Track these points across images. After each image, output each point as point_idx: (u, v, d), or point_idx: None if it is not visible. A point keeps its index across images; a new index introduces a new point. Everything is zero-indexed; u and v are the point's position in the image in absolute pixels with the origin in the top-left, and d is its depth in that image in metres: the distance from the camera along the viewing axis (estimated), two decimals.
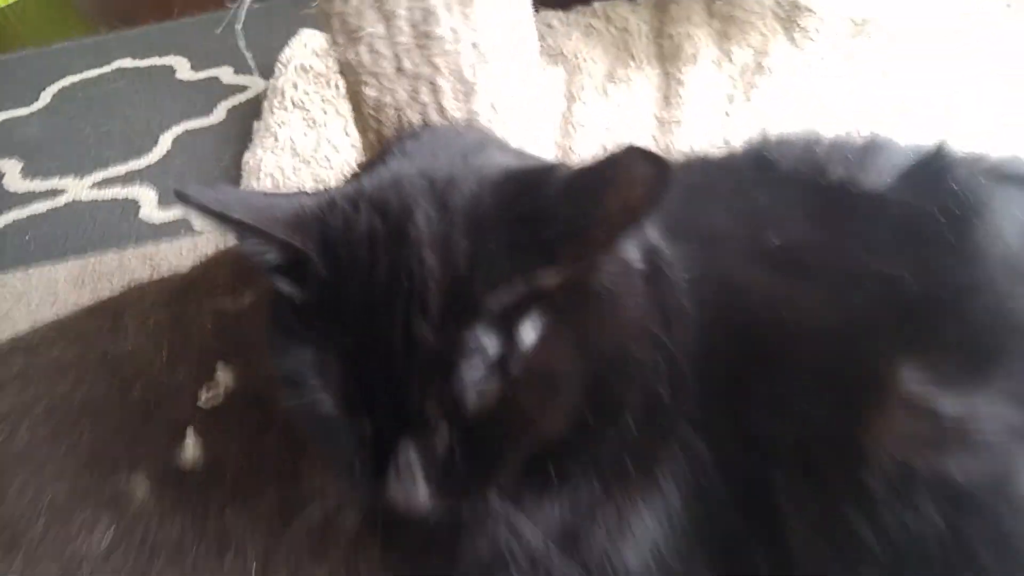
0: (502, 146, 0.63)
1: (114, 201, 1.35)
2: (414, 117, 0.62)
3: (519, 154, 0.62)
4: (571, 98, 1.27)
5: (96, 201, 1.36)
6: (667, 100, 1.23)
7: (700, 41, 1.29)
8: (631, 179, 0.44)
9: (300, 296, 0.47)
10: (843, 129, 1.08)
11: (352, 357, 0.45)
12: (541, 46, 1.37)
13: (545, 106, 0.74)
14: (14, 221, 1.35)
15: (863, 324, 0.54)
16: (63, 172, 1.43)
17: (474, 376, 0.44)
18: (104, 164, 1.43)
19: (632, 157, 0.44)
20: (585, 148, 1.18)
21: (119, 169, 1.41)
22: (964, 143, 0.65)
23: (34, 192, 1.41)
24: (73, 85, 1.65)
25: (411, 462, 0.46)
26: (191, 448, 0.73)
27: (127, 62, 1.67)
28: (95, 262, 1.16)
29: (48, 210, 1.37)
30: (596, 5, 1.42)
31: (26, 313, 1.10)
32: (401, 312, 0.44)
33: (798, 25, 1.28)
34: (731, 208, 0.63)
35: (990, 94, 1.10)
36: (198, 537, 0.66)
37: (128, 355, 0.84)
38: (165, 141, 1.45)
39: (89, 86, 1.65)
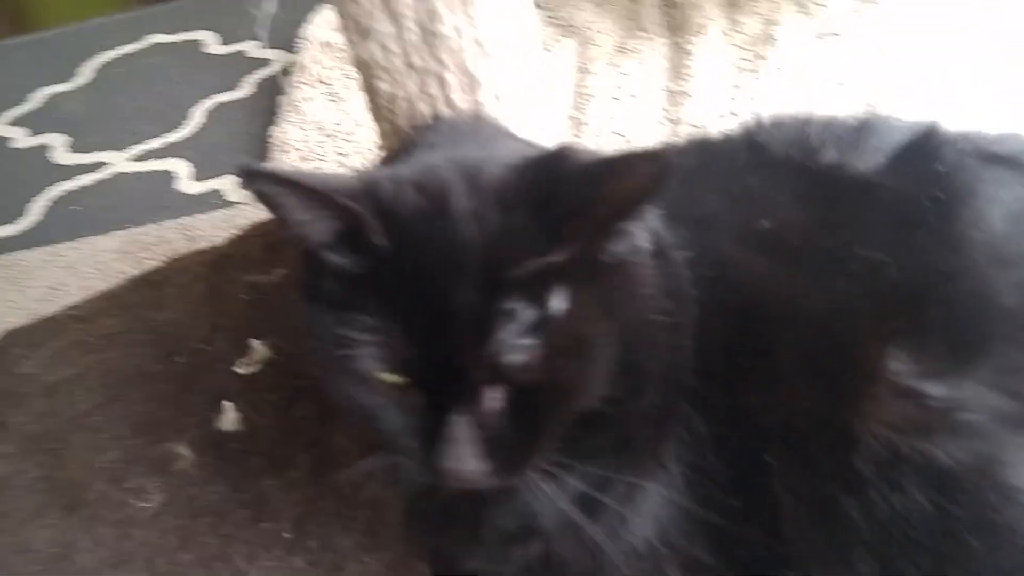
0: (513, 136, 0.64)
1: (152, 173, 1.36)
2: (424, 108, 0.62)
3: (528, 143, 0.63)
4: (582, 70, 1.24)
5: (136, 173, 1.37)
6: (676, 71, 1.20)
7: (708, 11, 1.25)
8: (633, 171, 0.46)
9: (355, 266, 0.48)
10: (848, 100, 1.06)
11: (409, 322, 0.46)
12: (552, 18, 1.34)
13: (548, 92, 0.73)
14: (64, 193, 1.37)
15: (850, 308, 0.53)
16: (105, 146, 1.44)
17: (511, 338, 0.45)
18: (142, 137, 1.43)
19: (637, 155, 0.46)
20: (596, 119, 1.16)
21: (156, 142, 1.42)
22: (963, 119, 0.63)
23: (80, 165, 1.42)
24: (110, 60, 1.64)
25: (463, 433, 0.47)
26: (230, 417, 0.75)
27: (159, 37, 1.66)
28: (137, 234, 1.17)
29: (93, 182, 1.38)
30: None
31: (77, 282, 1.12)
32: (448, 279, 0.46)
33: None
34: (723, 191, 0.62)
35: (988, 70, 1.06)
36: (237, 503, 0.68)
37: (171, 326, 0.85)
38: (197, 114, 1.45)
39: (125, 61, 1.64)
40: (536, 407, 0.49)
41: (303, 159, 1.22)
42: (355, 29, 0.59)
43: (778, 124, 0.69)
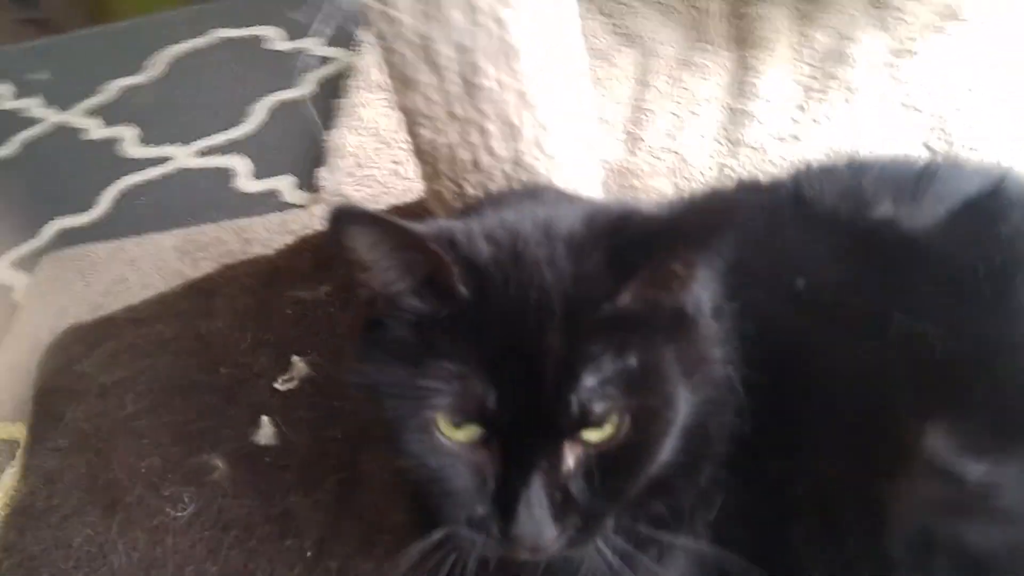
0: (576, 197, 0.64)
1: (213, 170, 1.40)
2: (465, 155, 0.62)
3: (592, 202, 0.63)
4: (642, 83, 1.22)
5: (198, 169, 1.42)
6: (739, 88, 1.17)
7: (778, 23, 1.21)
8: (691, 227, 0.47)
9: (434, 312, 0.48)
10: (921, 129, 1.01)
11: (491, 367, 0.46)
12: (615, 27, 1.32)
13: (594, 139, 0.72)
14: (131, 185, 1.42)
15: (889, 378, 0.52)
16: (171, 140, 1.49)
17: (594, 384, 0.46)
18: (204, 133, 1.47)
19: (702, 213, 0.49)
20: (653, 136, 1.14)
21: (217, 138, 1.46)
22: None
23: (147, 158, 1.47)
24: (176, 54, 1.69)
25: (541, 496, 0.46)
26: (266, 432, 0.77)
27: (225, 32, 1.70)
28: (195, 233, 1.21)
29: (158, 176, 1.43)
30: None
31: (137, 279, 1.17)
32: (530, 325, 0.46)
33: (889, 5, 1.19)
34: (766, 245, 0.60)
35: None
36: (264, 518, 0.70)
37: (218, 336, 0.88)
38: (258, 111, 1.49)
39: (192, 55, 1.69)
40: (613, 469, 0.48)
41: (358, 165, 1.24)
42: (399, 78, 0.59)
43: (829, 173, 0.67)
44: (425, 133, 0.62)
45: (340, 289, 0.87)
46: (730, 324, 0.54)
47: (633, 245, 0.48)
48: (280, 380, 0.81)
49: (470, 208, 0.61)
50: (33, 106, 1.66)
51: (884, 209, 0.60)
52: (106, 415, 0.83)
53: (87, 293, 1.15)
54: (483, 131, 0.60)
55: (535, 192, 0.63)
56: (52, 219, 1.39)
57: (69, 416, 0.85)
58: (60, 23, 1.90)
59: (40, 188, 1.48)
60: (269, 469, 0.74)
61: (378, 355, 0.50)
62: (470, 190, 0.65)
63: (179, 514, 0.72)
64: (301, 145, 1.37)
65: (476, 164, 0.63)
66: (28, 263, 1.31)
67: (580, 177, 0.68)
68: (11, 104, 1.68)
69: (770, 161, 1.06)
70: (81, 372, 0.89)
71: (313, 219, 1.17)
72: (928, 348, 0.51)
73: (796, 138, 1.08)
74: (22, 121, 1.63)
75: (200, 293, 0.95)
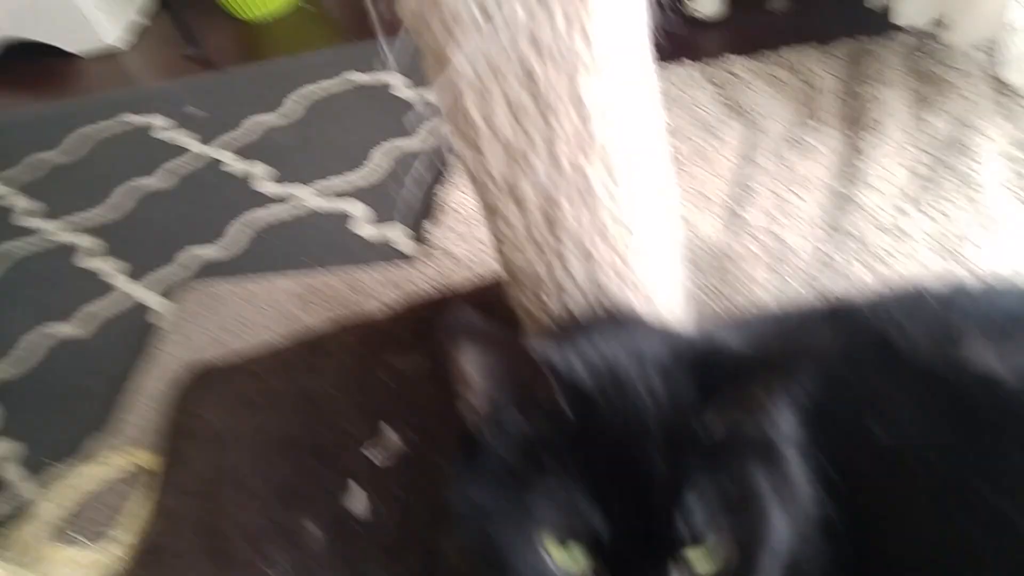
0: (654, 326, 0.66)
1: (334, 212, 1.51)
2: (544, 275, 0.66)
3: (670, 329, 0.66)
4: (746, 158, 1.22)
5: (319, 210, 1.52)
6: (844, 172, 1.15)
7: (891, 104, 1.18)
8: (773, 361, 0.50)
9: (537, 432, 0.50)
10: None
11: (597, 488, 0.49)
12: (721, 96, 1.33)
13: (674, 263, 0.74)
14: (259, 223, 1.54)
15: (971, 558, 0.51)
16: (297, 179, 1.60)
17: (699, 506, 0.48)
18: (328, 175, 1.57)
19: (785, 353, 0.50)
20: (753, 215, 1.14)
21: (339, 181, 1.56)
22: None
23: (276, 195, 1.59)
24: (312, 95, 1.81)
25: None
26: (357, 499, 0.84)
27: (356, 76, 1.81)
28: (311, 278, 1.31)
29: (284, 213, 1.54)
30: (784, 53, 1.34)
31: (256, 318, 1.28)
32: (636, 447, 0.49)
33: (1017, 94, 1.13)
34: (846, 386, 0.60)
35: None
36: None
37: (321, 395, 0.96)
38: (380, 158, 1.58)
39: (325, 97, 1.81)
40: None
41: (464, 222, 1.30)
42: (484, 204, 0.64)
43: (917, 303, 0.66)
44: (507, 252, 0.66)
45: (433, 362, 0.93)
46: (814, 464, 0.55)
47: (718, 374, 0.50)
48: (372, 449, 0.88)
49: (561, 334, 0.64)
50: (183, 138, 1.83)
51: (974, 351, 0.58)
52: (220, 464, 0.92)
53: (213, 328, 1.27)
54: (561, 256, 0.64)
55: (619, 320, 0.66)
56: (188, 246, 1.53)
57: (190, 459, 0.95)
58: (218, 60, 2.08)
59: (182, 216, 1.63)
60: (357, 538, 0.81)
61: (481, 476, 0.52)
62: (550, 305, 0.69)
63: (271, 573, 0.79)
64: (415, 195, 1.44)
65: (556, 284, 0.67)
66: (164, 287, 1.46)
67: (659, 299, 0.70)
68: (165, 135, 1.86)
69: (873, 253, 1.04)
70: (202, 417, 0.99)
71: (418, 275, 1.24)
72: (1019, 535, 0.49)
73: (902, 230, 1.05)
74: (172, 151, 1.79)
75: (309, 349, 1.04)
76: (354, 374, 0.98)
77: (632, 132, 0.59)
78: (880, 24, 1.16)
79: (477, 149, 0.59)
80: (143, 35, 2.34)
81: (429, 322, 1.01)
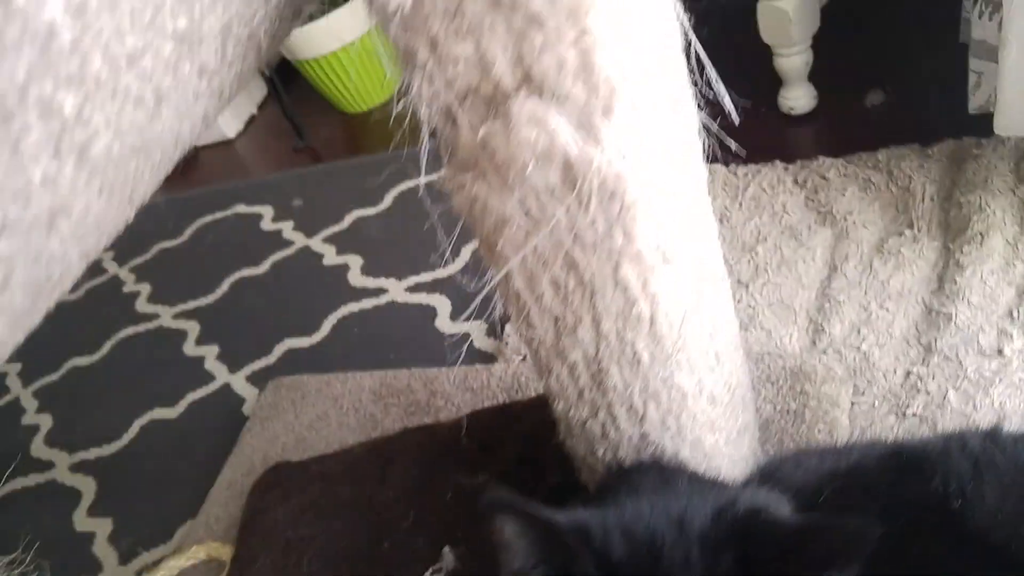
0: (704, 482, 0.66)
1: (417, 306, 1.56)
2: (595, 428, 0.67)
3: (724, 487, 0.65)
4: (833, 267, 1.18)
5: (405, 304, 1.58)
6: (941, 286, 1.08)
7: (997, 215, 1.11)
8: (827, 543, 0.49)
9: None
10: None
11: None
12: (810, 200, 1.29)
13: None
14: (349, 313, 1.62)
15: None
16: (388, 272, 1.67)
17: None
18: (416, 270, 1.64)
19: (833, 528, 0.49)
20: (838, 329, 1.09)
21: (427, 276, 1.61)
22: None
23: (366, 288, 1.67)
24: (403, 190, 1.90)
25: None
26: None
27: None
28: (390, 377, 1.35)
29: (372, 307, 1.61)
30: (880, 155, 1.28)
31: (337, 416, 1.32)
32: None
33: None
34: (909, 563, 0.57)
35: None
36: None
37: (387, 507, 0.97)
38: (464, 254, 1.62)
39: (414, 192, 1.89)
40: None
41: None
42: (535, 361, 0.66)
43: (990, 462, 0.61)
44: (558, 406, 0.68)
45: (498, 481, 0.93)
46: None
47: (761, 550, 0.50)
48: (431, 570, 0.88)
49: (606, 488, 0.65)
50: (287, 229, 1.96)
51: None
52: (286, 571, 0.95)
53: (295, 425, 1.33)
54: (612, 413, 0.64)
55: (666, 475, 0.65)
56: (284, 339, 1.62)
57: (260, 562, 0.99)
58: (323, 153, 2.23)
59: (281, 307, 1.73)
60: None
61: None
62: (600, 453, 0.69)
63: None
64: (497, 294, 1.47)
65: (606, 436, 0.67)
66: (261, 379, 1.54)
67: (716, 446, 0.69)
68: (270, 226, 1.99)
69: (967, 378, 0.97)
70: (274, 520, 1.03)
71: (493, 378, 1.26)
72: None
73: (1000, 353, 0.98)
74: (277, 243, 1.92)
75: (379, 456, 1.06)
76: (420, 488, 0.99)
77: (679, 306, 0.59)
78: (986, 124, 1.10)
79: (528, 322, 0.61)
80: (252, 123, 2.53)
81: (495, 436, 1.01)
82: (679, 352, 0.61)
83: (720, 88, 0.64)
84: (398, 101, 0.49)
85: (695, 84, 0.64)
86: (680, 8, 0.61)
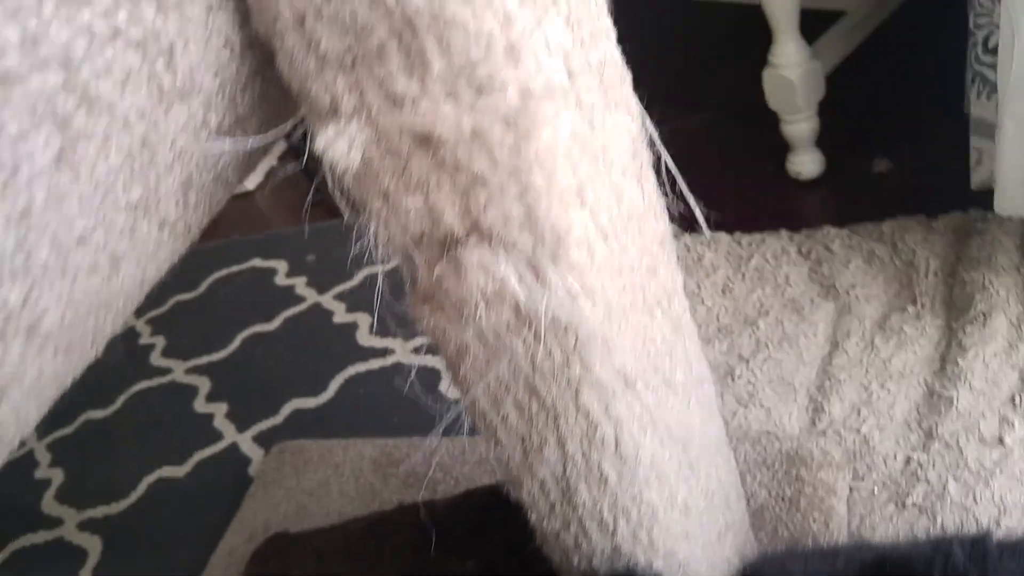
0: None
1: (423, 368, 1.57)
2: (568, 540, 0.67)
3: None
4: (834, 344, 1.17)
5: (410, 366, 1.60)
6: (944, 366, 1.08)
7: (1000, 294, 1.10)
8: None
9: None
10: None
11: None
12: (813, 273, 1.29)
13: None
14: (354, 375, 1.64)
15: None
16: (394, 333, 1.69)
17: None
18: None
19: None
20: (838, 410, 1.09)
21: None
22: None
23: (373, 348, 1.69)
24: None
25: None
26: None
27: None
28: (391, 446, 1.37)
29: (378, 367, 1.63)
30: (885, 226, 1.28)
31: (338, 484, 1.34)
32: None
33: None
34: None
35: None
36: None
37: None
38: None
39: None
40: None
41: None
42: (507, 477, 0.67)
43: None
44: (532, 517, 0.68)
45: (486, 569, 0.94)
46: None
47: None
48: None
49: None
50: (300, 285, 1.99)
51: None
52: None
53: (296, 491, 1.35)
54: (581, 526, 0.65)
55: None
56: (291, 399, 1.64)
57: None
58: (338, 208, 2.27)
59: (290, 366, 1.76)
60: None
61: None
62: (574, 560, 0.70)
63: None
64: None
65: (577, 546, 0.68)
66: (267, 440, 1.56)
67: (685, 560, 0.69)
68: (284, 281, 2.03)
69: (967, 467, 0.96)
70: None
71: (491, 451, 1.26)
72: None
73: (1001, 442, 0.96)
74: (289, 299, 1.95)
75: (373, 536, 1.07)
76: (414, 571, 1.00)
77: (644, 427, 0.60)
78: (992, 198, 1.10)
79: (496, 439, 0.62)
80: (271, 175, 2.59)
81: (486, 518, 1.02)
82: (647, 470, 0.61)
83: (691, 201, 0.66)
84: (355, 241, 0.51)
85: (666, 196, 0.66)
86: (650, 126, 0.62)
